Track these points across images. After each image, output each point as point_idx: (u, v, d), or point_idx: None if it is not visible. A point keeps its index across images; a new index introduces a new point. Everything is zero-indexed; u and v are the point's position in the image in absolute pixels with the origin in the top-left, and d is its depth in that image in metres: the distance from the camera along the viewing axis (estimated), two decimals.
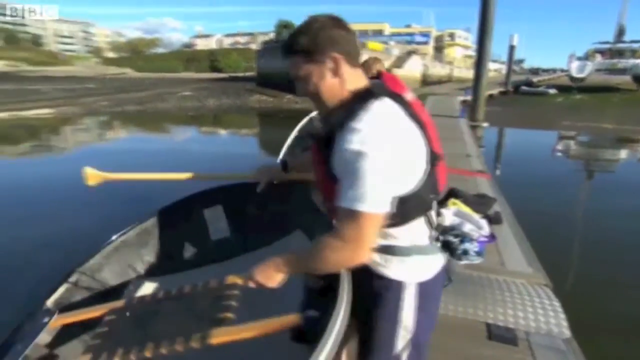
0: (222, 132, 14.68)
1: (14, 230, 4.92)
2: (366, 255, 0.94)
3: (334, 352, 0.82)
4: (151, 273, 1.64)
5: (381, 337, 1.06)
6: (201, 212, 1.81)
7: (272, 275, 0.99)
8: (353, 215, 0.87)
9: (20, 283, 3.44)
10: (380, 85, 1.01)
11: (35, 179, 7.67)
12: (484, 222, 3.65)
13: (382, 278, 1.04)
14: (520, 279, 2.67)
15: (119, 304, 1.12)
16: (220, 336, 0.91)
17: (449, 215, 3.71)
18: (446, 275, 1.20)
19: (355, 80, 0.97)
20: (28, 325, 1.10)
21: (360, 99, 0.93)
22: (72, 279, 1.35)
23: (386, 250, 1.04)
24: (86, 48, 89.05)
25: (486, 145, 10.29)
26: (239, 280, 1.03)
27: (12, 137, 12.73)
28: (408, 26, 75.57)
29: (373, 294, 1.06)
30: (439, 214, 3.45)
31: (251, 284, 1.02)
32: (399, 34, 68.96)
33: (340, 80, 0.95)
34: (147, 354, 0.90)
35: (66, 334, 1.17)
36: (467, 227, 3.55)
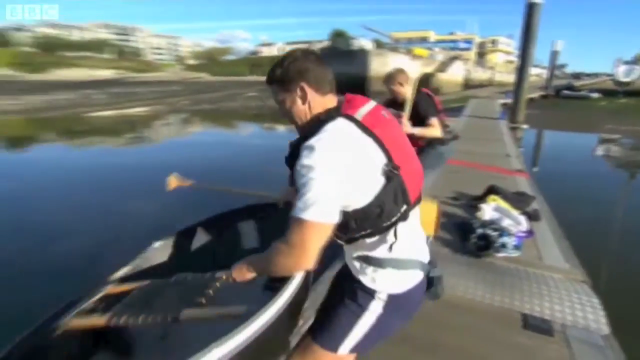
0: (280, 127, 14.94)
1: (118, 205, 5.39)
2: (310, 262, 0.91)
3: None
4: (187, 266, 1.69)
5: (334, 328, 1.05)
6: (237, 224, 2.02)
7: (243, 274, 1.06)
8: (298, 223, 0.86)
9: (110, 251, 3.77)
10: (337, 108, 0.99)
11: (132, 164, 8.37)
12: (522, 218, 3.43)
13: (357, 281, 1.02)
14: (557, 274, 2.47)
15: (147, 283, 1.32)
16: (188, 315, 1.06)
17: (489, 210, 3.49)
18: (432, 291, 1.11)
19: (321, 104, 0.99)
20: (96, 287, 1.41)
21: (320, 121, 0.93)
22: (133, 262, 1.59)
23: (363, 258, 1.01)
24: (173, 57, 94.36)
25: (525, 146, 9.59)
26: (223, 276, 1.13)
27: (116, 130, 13.88)
28: (452, 34, 71.87)
29: (346, 290, 1.05)
30: (478, 209, 3.37)
31: (230, 279, 1.09)
32: (443, 41, 65.86)
33: (308, 105, 0.99)
34: (149, 319, 1.10)
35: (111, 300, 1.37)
36: (506, 222, 3.34)
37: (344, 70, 25.27)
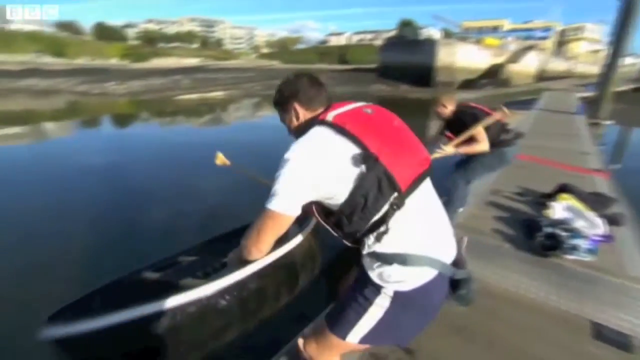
0: None
1: (191, 178, 5.82)
2: (261, 250, 0.99)
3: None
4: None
5: (344, 317, 1.02)
6: None
7: (235, 261, 1.32)
8: (262, 211, 0.93)
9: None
10: (315, 117, 1.03)
11: (208, 142, 8.96)
12: (599, 221, 2.99)
13: (367, 275, 0.98)
14: None
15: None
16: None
17: (559, 209, 3.09)
18: (460, 294, 1.04)
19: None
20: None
21: (302, 131, 0.98)
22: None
23: (370, 255, 0.95)
24: (249, 46, 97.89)
25: (608, 144, 8.33)
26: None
27: (198, 112, 14.91)
28: (529, 22, 64.27)
29: (359, 282, 1.02)
30: (547, 207, 3.03)
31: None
32: (517, 30, 59.29)
33: (302, 122, 1.08)
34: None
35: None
36: (579, 223, 2.94)
37: (409, 60, 24.10)
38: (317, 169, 0.89)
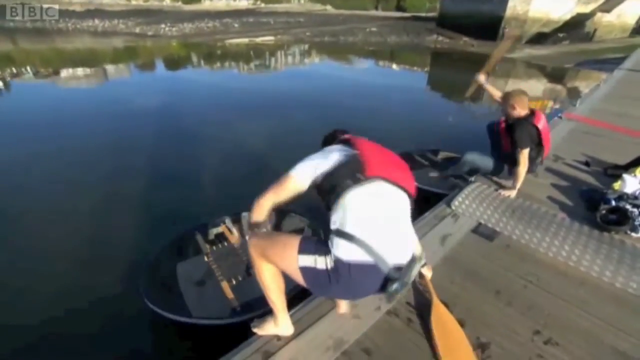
0: (395, 67, 13.94)
1: (238, 123, 5.98)
2: (260, 204, 1.27)
3: None
4: None
5: (307, 244, 1.23)
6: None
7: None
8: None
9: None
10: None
11: (253, 89, 9.03)
12: None
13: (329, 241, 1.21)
14: None
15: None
16: None
17: (633, 182, 2.79)
18: (387, 290, 1.19)
19: None
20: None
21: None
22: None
23: (335, 230, 1.19)
24: None
25: None
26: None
27: (247, 57, 14.84)
28: None
29: (327, 240, 1.23)
30: (617, 179, 2.86)
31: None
32: None
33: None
34: None
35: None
36: None
37: (475, 10, 21.43)
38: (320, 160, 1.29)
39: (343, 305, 1.54)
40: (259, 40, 18.86)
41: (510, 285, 1.81)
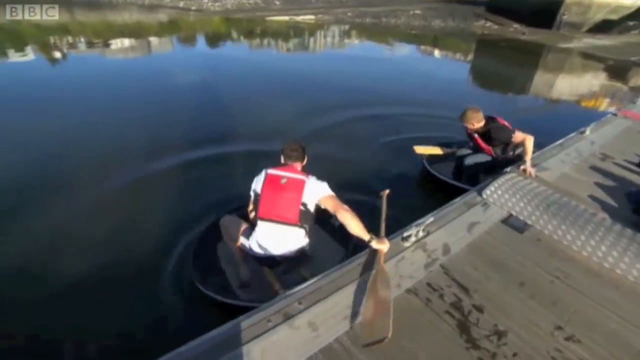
0: (436, 53, 13.35)
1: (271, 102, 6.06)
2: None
3: None
4: None
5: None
6: None
7: None
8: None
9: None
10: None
11: (289, 70, 9.07)
12: None
13: None
14: None
15: None
16: None
17: None
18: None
19: None
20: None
21: None
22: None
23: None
24: None
25: None
26: None
27: (286, 35, 14.80)
28: None
29: None
30: None
31: None
32: None
33: None
34: None
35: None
36: None
37: None
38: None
39: None
40: (299, 18, 18.68)
41: (536, 278, 1.78)
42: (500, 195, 2.42)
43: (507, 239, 2.07)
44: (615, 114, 4.51)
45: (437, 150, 3.76)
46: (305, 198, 1.90)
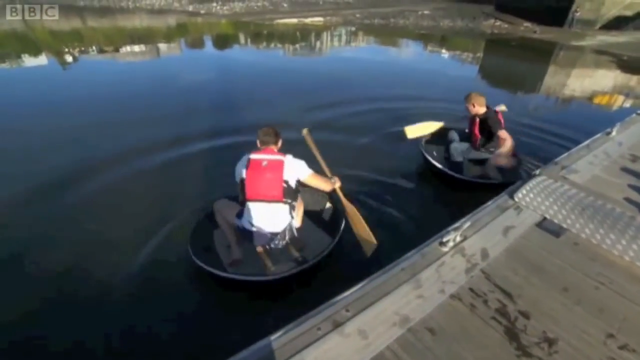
0: (444, 53, 13.27)
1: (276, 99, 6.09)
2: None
3: None
4: None
5: None
6: None
7: None
8: None
9: None
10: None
11: (296, 69, 9.09)
12: None
13: None
14: None
15: None
16: None
17: None
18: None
19: None
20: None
21: None
22: None
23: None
24: None
25: None
26: None
27: (293, 38, 14.85)
28: None
29: None
30: None
31: None
32: None
33: None
34: None
35: None
36: None
37: None
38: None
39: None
40: (307, 20, 18.74)
41: (579, 284, 1.75)
42: (532, 198, 2.39)
43: (543, 243, 2.04)
44: (639, 114, 4.43)
45: (427, 129, 3.97)
46: (287, 175, 2.14)
